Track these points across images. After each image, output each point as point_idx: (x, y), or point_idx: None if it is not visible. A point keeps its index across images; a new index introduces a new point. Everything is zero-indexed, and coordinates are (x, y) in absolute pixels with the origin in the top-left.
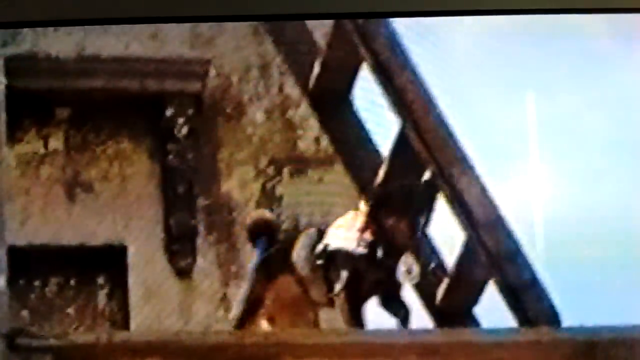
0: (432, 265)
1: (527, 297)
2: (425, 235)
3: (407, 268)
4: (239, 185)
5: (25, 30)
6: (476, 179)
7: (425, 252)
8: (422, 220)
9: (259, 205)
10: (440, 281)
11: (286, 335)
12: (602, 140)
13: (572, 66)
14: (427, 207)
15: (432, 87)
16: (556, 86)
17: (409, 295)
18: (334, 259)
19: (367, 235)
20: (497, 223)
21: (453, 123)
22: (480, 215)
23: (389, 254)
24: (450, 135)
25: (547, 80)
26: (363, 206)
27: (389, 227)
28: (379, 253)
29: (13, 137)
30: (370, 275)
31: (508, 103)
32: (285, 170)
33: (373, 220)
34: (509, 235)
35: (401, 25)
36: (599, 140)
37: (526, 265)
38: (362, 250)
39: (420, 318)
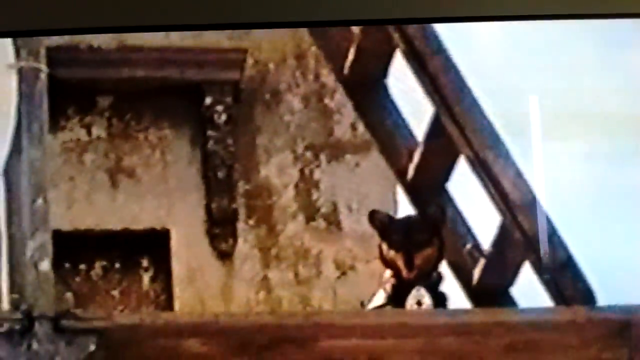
0: (469, 246)
1: (562, 277)
2: (436, 270)
3: (417, 301)
4: (277, 171)
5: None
6: (511, 162)
7: (436, 284)
8: (421, 254)
9: (297, 189)
10: (477, 262)
11: (325, 316)
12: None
13: None
14: (428, 242)
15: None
16: None
17: (447, 275)
18: None
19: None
20: (533, 205)
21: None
22: (516, 198)
23: (399, 288)
24: (484, 119)
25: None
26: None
27: (390, 261)
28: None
29: (56, 125)
30: None
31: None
32: (323, 156)
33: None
34: (544, 216)
35: None
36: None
37: (561, 246)
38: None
39: (458, 298)
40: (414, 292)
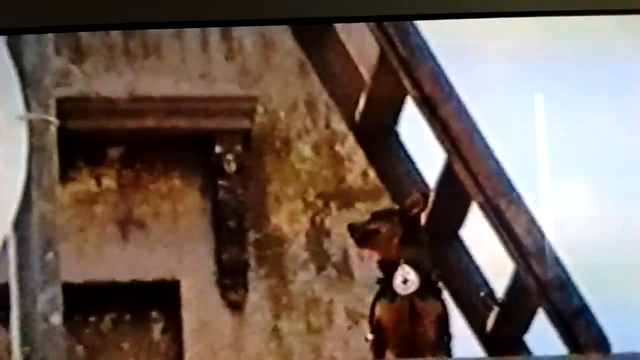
0: (482, 294)
1: (576, 324)
2: (418, 243)
3: (403, 279)
4: (288, 219)
5: (76, 71)
6: (524, 208)
7: (427, 264)
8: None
9: (308, 238)
10: (490, 310)
11: None
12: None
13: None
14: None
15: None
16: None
17: (460, 324)
18: None
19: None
20: (546, 251)
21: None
22: (529, 245)
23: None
24: (496, 165)
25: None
26: None
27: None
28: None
29: (66, 177)
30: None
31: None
32: (333, 204)
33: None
34: (557, 262)
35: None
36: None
37: (575, 292)
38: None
39: (472, 347)
40: (399, 270)
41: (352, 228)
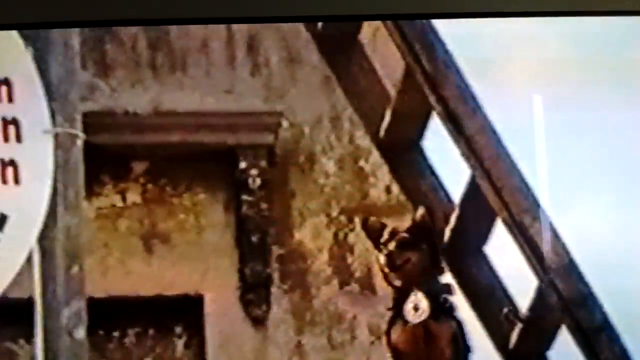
0: (506, 310)
1: (599, 340)
2: (437, 270)
3: (414, 305)
4: (311, 234)
5: (102, 86)
6: (548, 224)
7: (437, 292)
8: (403, 256)
9: (331, 253)
10: (514, 326)
11: None
12: None
13: None
14: (412, 244)
15: None
16: None
17: (483, 340)
18: None
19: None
20: (570, 268)
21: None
22: (553, 261)
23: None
24: (521, 181)
25: None
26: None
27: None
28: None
29: (91, 191)
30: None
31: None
32: (357, 219)
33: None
34: (580, 279)
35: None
36: None
37: (598, 309)
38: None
39: None
40: (411, 297)
41: (389, 257)
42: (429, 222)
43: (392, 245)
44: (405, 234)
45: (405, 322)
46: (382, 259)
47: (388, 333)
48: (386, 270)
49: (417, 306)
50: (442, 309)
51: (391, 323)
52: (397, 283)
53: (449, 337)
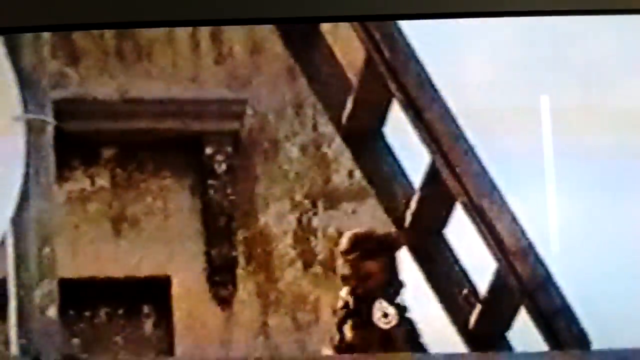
0: (465, 291)
1: (557, 321)
2: (398, 281)
3: (382, 313)
4: (276, 218)
5: (72, 74)
6: (506, 208)
7: (394, 296)
8: (365, 265)
9: (295, 236)
10: (473, 307)
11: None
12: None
13: None
14: (374, 253)
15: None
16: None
17: (443, 321)
18: None
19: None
20: (528, 251)
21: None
22: (512, 244)
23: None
24: (479, 166)
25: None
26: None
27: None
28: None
29: (62, 176)
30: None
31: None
32: (320, 204)
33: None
34: (539, 262)
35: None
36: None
37: (556, 291)
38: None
39: (455, 343)
40: (377, 305)
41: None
42: (393, 236)
43: (354, 255)
44: (369, 244)
45: (365, 327)
46: (346, 268)
47: (340, 329)
48: (349, 277)
49: (386, 313)
50: (402, 314)
51: (343, 322)
52: (359, 291)
53: (406, 335)
